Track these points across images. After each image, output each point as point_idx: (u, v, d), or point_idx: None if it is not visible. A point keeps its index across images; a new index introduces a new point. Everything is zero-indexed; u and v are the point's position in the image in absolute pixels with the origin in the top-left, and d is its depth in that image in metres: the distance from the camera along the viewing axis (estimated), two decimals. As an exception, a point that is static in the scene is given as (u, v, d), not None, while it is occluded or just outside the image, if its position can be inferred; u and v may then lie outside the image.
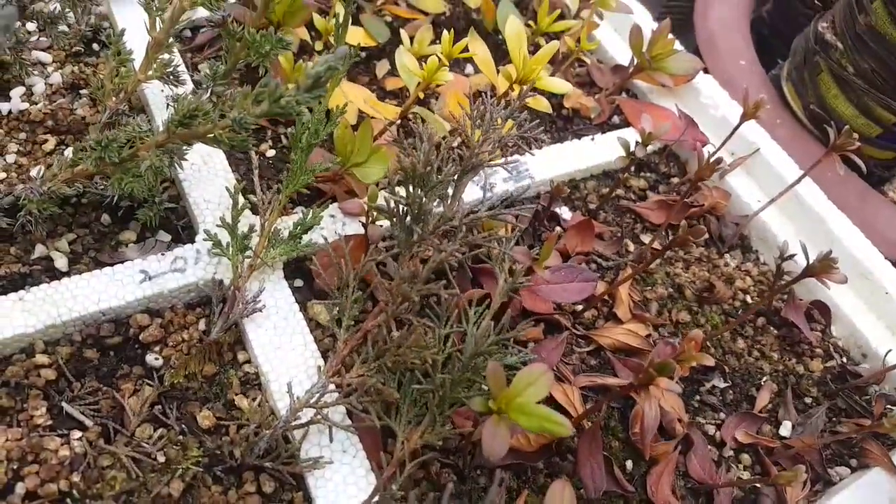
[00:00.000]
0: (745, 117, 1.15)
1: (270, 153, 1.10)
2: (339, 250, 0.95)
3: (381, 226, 0.94)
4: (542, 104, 1.05)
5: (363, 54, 1.29)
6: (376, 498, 0.74)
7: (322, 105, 0.90)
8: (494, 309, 0.81)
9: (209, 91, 0.85)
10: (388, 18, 1.36)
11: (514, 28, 0.98)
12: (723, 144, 1.22)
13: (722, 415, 1.01)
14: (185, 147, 0.85)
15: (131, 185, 0.81)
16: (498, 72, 1.05)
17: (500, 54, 1.36)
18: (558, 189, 0.97)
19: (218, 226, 0.88)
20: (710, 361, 0.85)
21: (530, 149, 0.85)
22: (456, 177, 0.81)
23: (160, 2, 0.95)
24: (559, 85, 0.98)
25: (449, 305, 0.79)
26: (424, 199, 0.75)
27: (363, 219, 0.95)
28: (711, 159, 1.04)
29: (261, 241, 0.88)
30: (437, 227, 0.76)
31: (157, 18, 0.95)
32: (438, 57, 0.95)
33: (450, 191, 0.84)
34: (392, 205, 0.80)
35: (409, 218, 0.77)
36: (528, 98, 0.89)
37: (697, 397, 1.02)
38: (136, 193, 0.82)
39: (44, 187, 0.84)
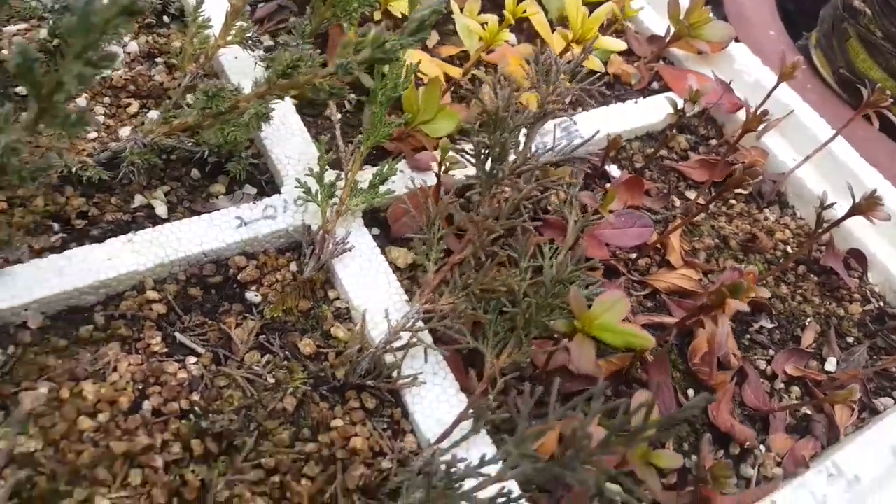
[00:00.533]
0: (782, 77, 1.22)
1: (337, 116, 1.17)
2: (412, 200, 1.02)
3: (453, 175, 1.01)
4: (595, 63, 1.11)
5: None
6: (471, 410, 0.81)
7: (399, 62, 0.97)
8: (568, 244, 0.88)
9: (299, 46, 0.92)
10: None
11: (570, -10, 1.05)
12: (759, 106, 1.28)
13: (771, 352, 1.08)
14: (273, 103, 0.92)
15: (234, 133, 0.88)
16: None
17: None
18: (615, 142, 1.04)
19: (307, 175, 0.95)
20: (766, 294, 0.92)
21: (594, 101, 0.92)
22: (528, 124, 0.88)
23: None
24: (615, 43, 1.05)
25: (527, 239, 0.85)
26: (506, 140, 0.82)
27: (434, 170, 1.02)
28: (756, 114, 1.11)
29: (345, 188, 0.95)
30: (515, 168, 0.83)
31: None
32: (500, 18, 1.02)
33: (520, 139, 0.91)
34: (472, 148, 0.87)
35: (490, 160, 0.84)
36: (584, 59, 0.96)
37: (747, 336, 1.09)
38: (238, 140, 0.89)
39: (147, 139, 0.90)
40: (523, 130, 0.90)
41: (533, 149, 0.89)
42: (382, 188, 0.99)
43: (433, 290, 0.84)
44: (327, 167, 0.99)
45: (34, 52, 0.57)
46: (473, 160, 0.84)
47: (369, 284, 0.93)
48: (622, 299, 0.80)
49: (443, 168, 0.99)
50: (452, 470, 0.64)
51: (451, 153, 0.97)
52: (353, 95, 1.21)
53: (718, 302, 0.80)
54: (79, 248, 0.88)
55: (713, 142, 1.36)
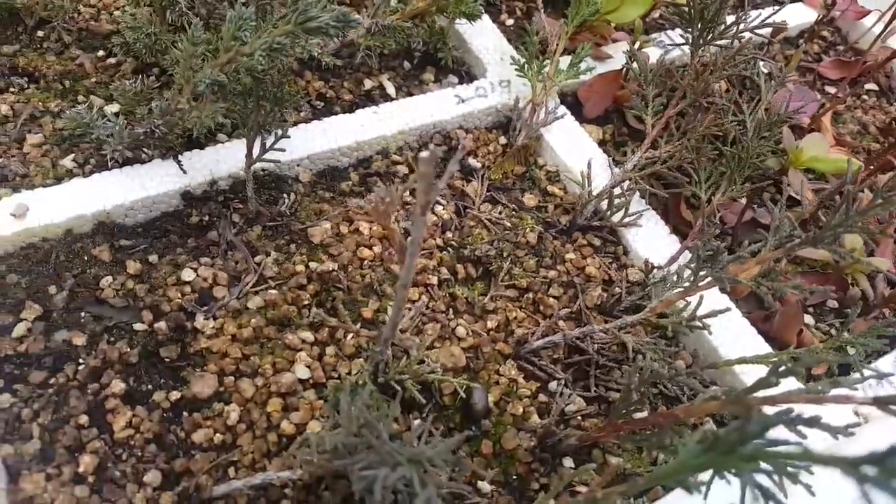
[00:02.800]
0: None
1: (509, 22, 1.30)
2: (600, 82, 1.14)
3: (646, 52, 1.13)
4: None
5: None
6: (691, 243, 0.93)
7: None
8: (765, 101, 0.99)
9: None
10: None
11: None
12: (887, 11, 1.39)
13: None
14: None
15: (469, 8, 1.00)
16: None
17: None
18: (780, 30, 1.15)
19: (514, 57, 1.07)
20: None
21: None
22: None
23: None
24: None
25: (733, 94, 0.97)
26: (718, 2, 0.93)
27: (623, 51, 1.13)
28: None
29: (552, 65, 1.08)
30: (727, 28, 0.95)
31: None
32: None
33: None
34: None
35: (699, 23, 0.95)
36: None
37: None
38: (475, 15, 1.01)
39: (387, 21, 1.03)
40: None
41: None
42: (583, 66, 1.10)
43: (652, 140, 0.96)
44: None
45: None
46: (685, 17, 0.96)
47: (576, 149, 1.05)
48: (823, 139, 0.92)
49: (637, 45, 1.11)
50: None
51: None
52: (520, 3, 1.33)
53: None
54: (335, 116, 1.01)
55: (840, 48, 1.47)
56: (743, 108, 0.99)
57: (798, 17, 1.44)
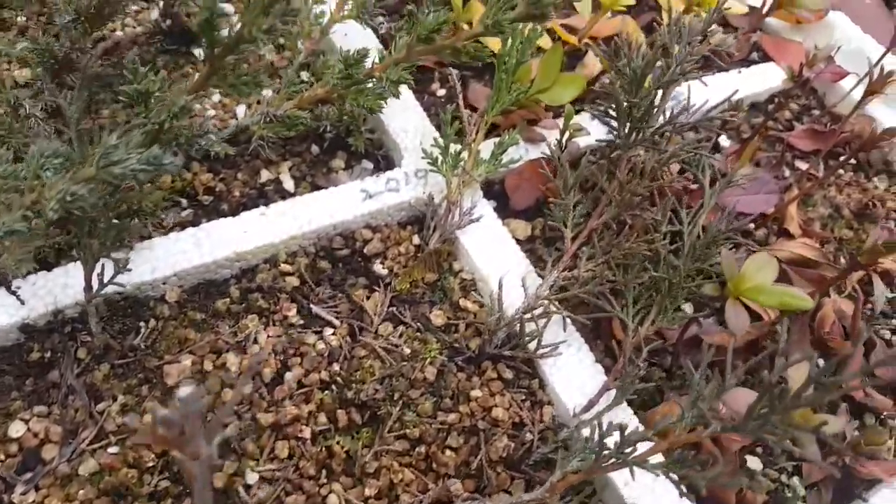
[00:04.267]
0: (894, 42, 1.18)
1: (441, 92, 1.17)
2: (529, 170, 1.01)
3: (576, 142, 1.00)
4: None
5: None
6: (614, 381, 0.79)
7: (518, 32, 0.95)
8: (707, 209, 0.86)
9: (428, 14, 0.91)
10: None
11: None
12: (867, 74, 1.25)
13: (894, 321, 1.05)
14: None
15: (370, 102, 0.87)
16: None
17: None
18: (737, 105, 1.02)
19: (432, 145, 0.94)
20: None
21: (724, 62, 0.90)
22: (664, 86, 0.86)
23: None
24: (739, 7, 1.02)
25: (667, 204, 0.84)
26: (650, 101, 0.80)
27: (554, 141, 1.00)
28: (872, 79, 1.08)
29: (469, 158, 0.95)
30: (658, 129, 0.81)
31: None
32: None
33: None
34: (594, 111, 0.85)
35: (630, 120, 0.82)
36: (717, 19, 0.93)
37: (868, 305, 1.06)
38: (374, 109, 0.89)
39: (278, 111, 0.90)
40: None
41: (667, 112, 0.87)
42: (505, 157, 0.98)
43: (571, 257, 0.83)
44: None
45: (219, 7, 0.57)
46: (611, 120, 0.83)
47: (495, 255, 0.92)
48: (772, 260, 0.79)
49: (566, 136, 0.98)
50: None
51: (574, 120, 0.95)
52: (454, 70, 1.20)
53: (871, 260, 0.77)
54: (214, 221, 0.88)
55: (815, 112, 1.33)
56: (682, 215, 0.86)
57: (768, 78, 1.30)
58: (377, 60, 0.90)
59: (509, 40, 0.92)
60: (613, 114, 0.81)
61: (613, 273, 0.82)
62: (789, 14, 1.36)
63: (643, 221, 0.83)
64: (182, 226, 0.90)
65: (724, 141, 1.19)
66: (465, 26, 1.14)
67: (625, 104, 0.79)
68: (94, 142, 0.62)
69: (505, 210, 1.02)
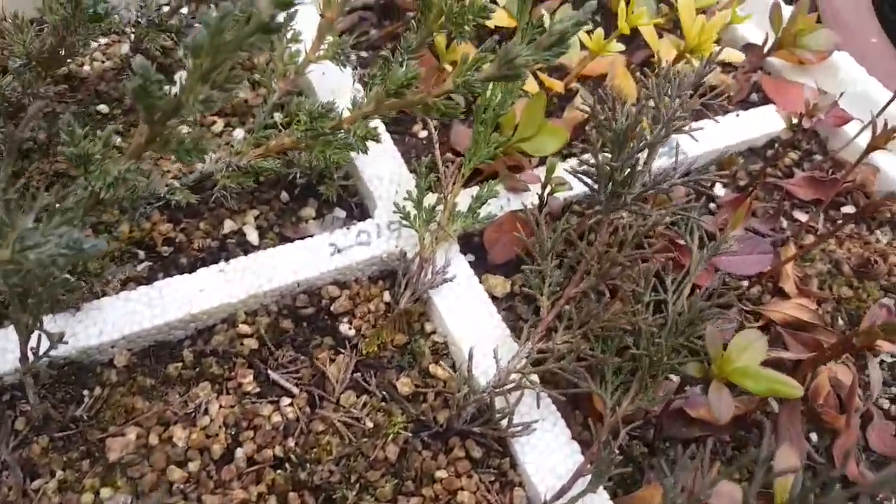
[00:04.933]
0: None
1: (423, 133, 1.11)
2: (510, 223, 0.96)
3: (557, 198, 0.94)
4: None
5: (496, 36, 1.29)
6: (589, 465, 0.74)
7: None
8: (693, 277, 0.81)
9: (402, 64, 0.86)
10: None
11: (683, -3, 0.97)
12: (871, 121, 1.19)
13: (894, 390, 0.99)
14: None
15: (336, 156, 0.82)
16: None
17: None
18: (729, 160, 0.96)
19: (405, 199, 0.89)
20: None
21: (714, 116, 0.84)
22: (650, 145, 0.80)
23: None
24: (733, 54, 0.97)
25: (649, 273, 0.78)
26: (634, 161, 0.75)
27: (534, 190, 0.95)
28: (877, 132, 1.02)
29: (444, 212, 0.89)
30: (642, 192, 0.76)
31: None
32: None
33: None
34: (576, 168, 0.80)
35: (611, 182, 0.77)
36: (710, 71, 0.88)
37: (867, 372, 1.00)
38: (339, 162, 0.83)
39: (242, 161, 0.85)
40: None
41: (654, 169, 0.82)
42: (482, 212, 0.92)
43: (546, 328, 0.78)
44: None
45: (154, 73, 0.52)
46: (590, 181, 0.78)
47: (470, 317, 0.87)
48: (760, 339, 0.73)
49: (547, 190, 0.93)
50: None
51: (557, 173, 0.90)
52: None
53: (868, 342, 0.72)
54: (169, 278, 0.83)
55: (817, 157, 1.27)
56: (667, 282, 0.80)
57: (767, 123, 1.25)
58: (350, 106, 0.85)
59: (488, 90, 0.87)
60: (594, 174, 0.76)
61: (591, 347, 0.77)
62: (791, 54, 1.30)
63: (624, 291, 0.78)
64: (137, 280, 0.85)
65: (718, 189, 1.14)
66: (449, 67, 1.09)
67: (606, 167, 0.74)
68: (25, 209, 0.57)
69: (483, 264, 0.96)
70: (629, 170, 0.75)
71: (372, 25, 1.29)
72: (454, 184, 0.90)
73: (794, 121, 1.13)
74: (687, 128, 0.83)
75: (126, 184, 0.60)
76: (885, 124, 1.01)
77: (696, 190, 1.12)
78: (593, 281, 0.76)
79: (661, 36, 1.27)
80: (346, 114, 0.90)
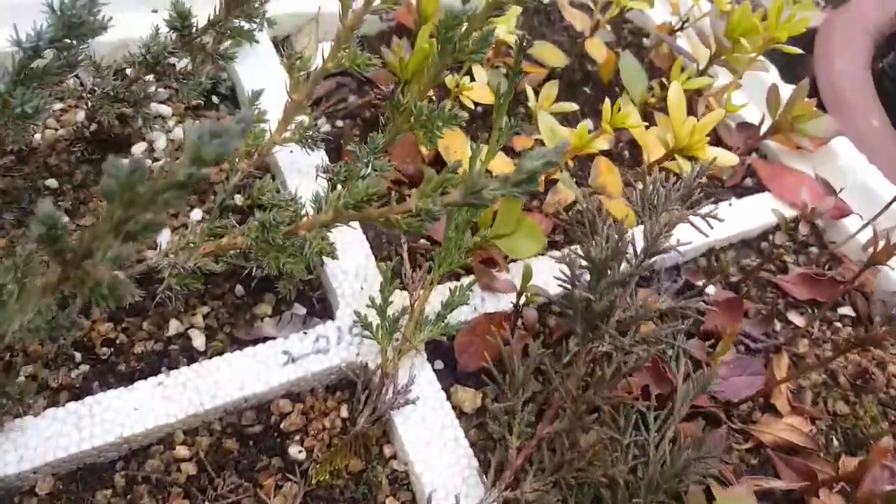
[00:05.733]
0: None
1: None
2: (482, 326, 0.89)
3: (533, 307, 0.88)
4: (686, 168, 0.97)
5: (479, 108, 1.23)
6: None
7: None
8: (679, 417, 0.73)
9: (368, 165, 0.79)
10: (503, 71, 1.30)
11: (675, 94, 0.91)
12: (874, 219, 1.13)
13: (891, 521, 0.92)
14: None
15: (290, 265, 0.75)
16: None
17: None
18: (721, 266, 0.90)
19: (368, 305, 0.82)
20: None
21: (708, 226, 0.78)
22: (630, 273, 0.73)
23: (301, 62, 0.90)
24: (726, 157, 0.90)
25: (629, 415, 0.71)
26: (614, 294, 0.68)
27: (512, 298, 0.88)
28: (881, 241, 0.96)
29: (410, 322, 0.82)
30: (623, 327, 0.69)
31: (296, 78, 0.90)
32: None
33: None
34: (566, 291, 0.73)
35: (588, 311, 0.70)
36: (700, 180, 0.81)
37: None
38: (295, 273, 0.76)
39: (190, 263, 0.78)
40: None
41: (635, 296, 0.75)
42: (452, 318, 0.85)
43: (515, 472, 0.70)
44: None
45: (59, 217, 0.45)
46: (565, 307, 0.71)
47: (434, 445, 0.79)
48: (749, 498, 0.66)
49: (522, 299, 0.86)
50: None
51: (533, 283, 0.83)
52: (414, 191, 1.08)
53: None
54: (102, 393, 0.75)
55: (813, 248, 1.21)
56: (648, 418, 0.73)
57: (762, 213, 1.18)
58: (312, 199, 0.78)
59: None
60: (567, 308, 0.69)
61: (563, 498, 0.69)
62: (788, 139, 1.24)
63: (600, 434, 0.70)
64: (69, 388, 0.77)
65: (709, 289, 1.07)
66: (424, 150, 1.03)
67: (581, 299, 0.67)
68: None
69: (452, 372, 0.89)
70: (608, 302, 0.68)
71: (350, 92, 1.22)
72: (422, 290, 0.83)
73: (790, 221, 1.07)
74: (675, 241, 0.76)
75: (35, 332, 0.52)
76: (888, 237, 0.94)
77: (683, 284, 1.05)
78: (567, 423, 0.69)
79: (651, 117, 1.21)
80: (308, 207, 0.84)
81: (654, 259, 0.73)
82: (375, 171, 0.80)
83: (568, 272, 0.70)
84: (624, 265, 0.72)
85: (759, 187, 1.24)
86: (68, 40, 0.61)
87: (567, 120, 1.23)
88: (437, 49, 0.72)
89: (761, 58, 1.19)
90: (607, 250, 0.66)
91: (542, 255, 0.94)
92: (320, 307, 0.91)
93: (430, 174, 0.64)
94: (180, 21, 0.87)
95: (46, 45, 0.61)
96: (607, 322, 0.68)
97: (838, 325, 1.12)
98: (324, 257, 0.89)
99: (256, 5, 0.94)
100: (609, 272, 0.68)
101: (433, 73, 0.73)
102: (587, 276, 0.75)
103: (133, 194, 0.44)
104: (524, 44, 0.77)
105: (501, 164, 1.00)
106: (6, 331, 0.50)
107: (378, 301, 0.81)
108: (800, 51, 1.08)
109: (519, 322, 0.89)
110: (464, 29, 0.70)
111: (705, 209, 0.84)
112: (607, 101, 0.87)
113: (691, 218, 0.80)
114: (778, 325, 1.08)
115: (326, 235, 0.72)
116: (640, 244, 0.75)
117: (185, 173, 0.42)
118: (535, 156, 0.56)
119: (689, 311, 0.73)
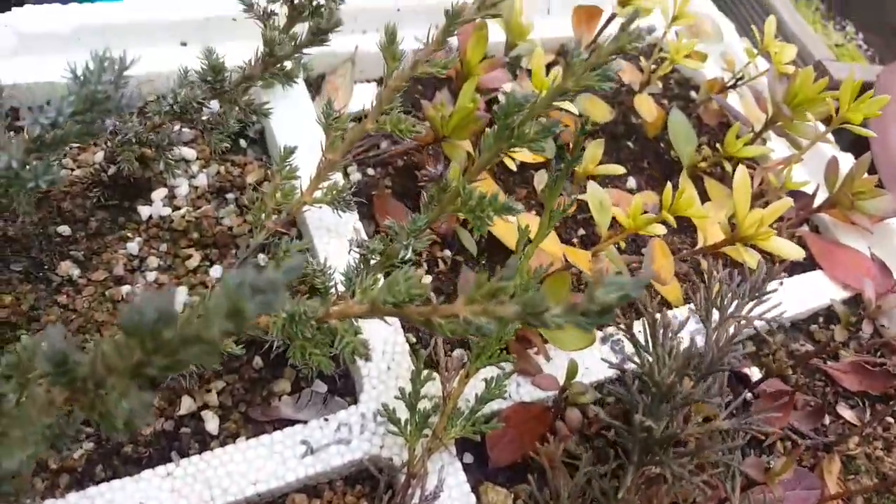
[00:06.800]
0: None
1: (426, 279, 0.98)
2: (515, 417, 0.82)
3: (577, 410, 0.81)
4: (749, 261, 0.89)
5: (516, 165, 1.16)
6: None
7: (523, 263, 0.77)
8: (735, 549, 0.67)
9: (408, 247, 0.72)
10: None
11: (741, 178, 0.84)
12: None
13: None
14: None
15: (317, 359, 0.68)
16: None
17: (665, 166, 1.24)
18: (780, 368, 0.83)
19: (396, 397, 0.75)
20: None
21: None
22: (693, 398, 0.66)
23: (339, 122, 0.84)
24: (790, 251, 0.83)
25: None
26: (673, 419, 0.61)
27: (552, 392, 0.82)
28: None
29: (441, 418, 0.75)
30: (681, 451, 0.62)
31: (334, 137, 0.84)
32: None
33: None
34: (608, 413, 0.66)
35: (648, 436, 0.63)
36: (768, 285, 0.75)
37: None
38: (323, 368, 0.70)
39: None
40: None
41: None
42: (486, 410, 0.79)
43: None
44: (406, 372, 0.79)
45: (70, 352, 0.39)
46: (620, 428, 0.64)
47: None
48: None
49: (566, 394, 0.79)
50: None
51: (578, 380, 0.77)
52: (447, 252, 1.02)
53: None
54: (106, 484, 0.69)
55: (865, 332, 1.13)
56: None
57: (814, 294, 1.11)
58: (343, 276, 0.71)
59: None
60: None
61: None
62: (843, 214, 1.17)
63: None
64: (71, 471, 0.71)
65: (754, 372, 1.00)
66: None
67: (642, 427, 0.60)
68: None
69: (483, 468, 0.82)
70: (667, 427, 0.61)
71: (383, 136, 1.16)
72: (455, 389, 0.76)
73: (851, 315, 1.00)
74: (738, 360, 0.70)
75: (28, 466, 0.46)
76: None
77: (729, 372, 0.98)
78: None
79: (699, 180, 1.14)
80: (339, 277, 0.78)
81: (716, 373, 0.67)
82: (415, 252, 0.74)
83: (623, 392, 0.63)
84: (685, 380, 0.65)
85: (812, 264, 1.16)
86: (91, 114, 0.55)
87: (608, 177, 1.17)
88: (493, 133, 0.65)
89: (829, 136, 1.11)
90: (673, 370, 0.60)
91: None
92: (342, 384, 0.85)
93: (481, 280, 0.57)
94: (213, 75, 0.80)
95: (67, 120, 0.55)
96: (666, 451, 0.61)
97: (890, 419, 1.05)
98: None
99: (293, 64, 0.88)
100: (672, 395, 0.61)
101: (487, 157, 0.67)
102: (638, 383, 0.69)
103: (157, 342, 0.38)
104: (585, 125, 0.71)
105: (552, 246, 0.93)
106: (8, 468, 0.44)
107: (408, 392, 0.74)
108: (873, 134, 1.00)
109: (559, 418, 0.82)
110: (525, 113, 0.64)
111: (770, 311, 0.77)
112: (669, 186, 0.80)
113: (755, 321, 0.74)
114: (827, 419, 1.01)
115: (359, 329, 0.66)
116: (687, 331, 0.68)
117: (221, 329, 0.36)
118: (611, 287, 0.49)
119: (750, 430, 0.66)
